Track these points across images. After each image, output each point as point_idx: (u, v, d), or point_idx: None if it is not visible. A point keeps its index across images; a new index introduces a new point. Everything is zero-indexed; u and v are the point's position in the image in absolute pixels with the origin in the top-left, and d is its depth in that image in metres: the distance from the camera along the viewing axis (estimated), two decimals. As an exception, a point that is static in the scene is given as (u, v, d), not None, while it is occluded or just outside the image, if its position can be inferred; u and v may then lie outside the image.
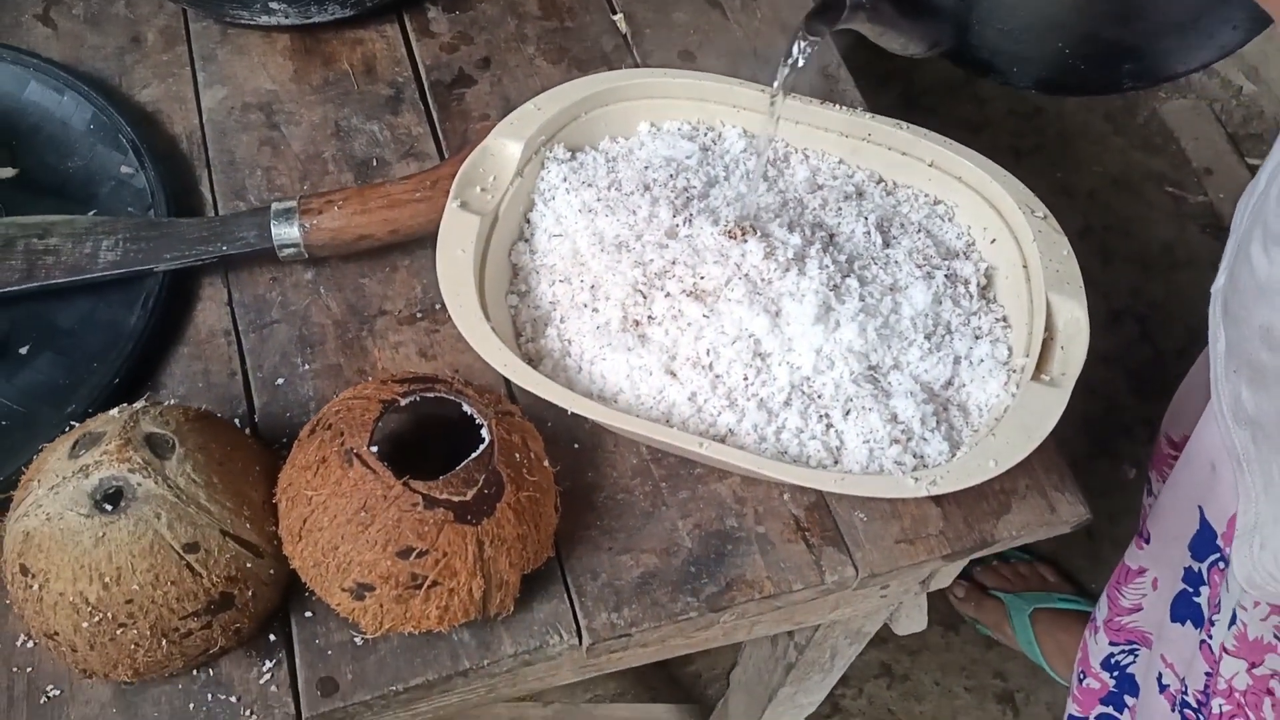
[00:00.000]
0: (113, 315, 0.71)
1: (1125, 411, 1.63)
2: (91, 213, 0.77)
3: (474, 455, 0.59)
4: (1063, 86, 0.68)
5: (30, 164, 0.79)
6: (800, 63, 0.60)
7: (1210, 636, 0.86)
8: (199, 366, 0.71)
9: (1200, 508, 0.86)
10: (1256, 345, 0.70)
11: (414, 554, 0.57)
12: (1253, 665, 0.83)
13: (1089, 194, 1.86)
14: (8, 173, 0.78)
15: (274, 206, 0.72)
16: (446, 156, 0.81)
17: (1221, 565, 0.84)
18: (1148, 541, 0.98)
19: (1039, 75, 0.66)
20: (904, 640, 1.48)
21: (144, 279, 0.72)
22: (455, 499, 0.58)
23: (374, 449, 0.58)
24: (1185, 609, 0.93)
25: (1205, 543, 0.88)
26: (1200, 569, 0.89)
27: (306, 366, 0.71)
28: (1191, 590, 0.92)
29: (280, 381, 0.70)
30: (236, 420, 0.69)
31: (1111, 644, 1.09)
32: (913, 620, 0.84)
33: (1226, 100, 1.98)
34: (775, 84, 0.64)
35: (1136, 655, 1.08)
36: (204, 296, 0.74)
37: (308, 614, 0.62)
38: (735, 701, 1.13)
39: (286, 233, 0.72)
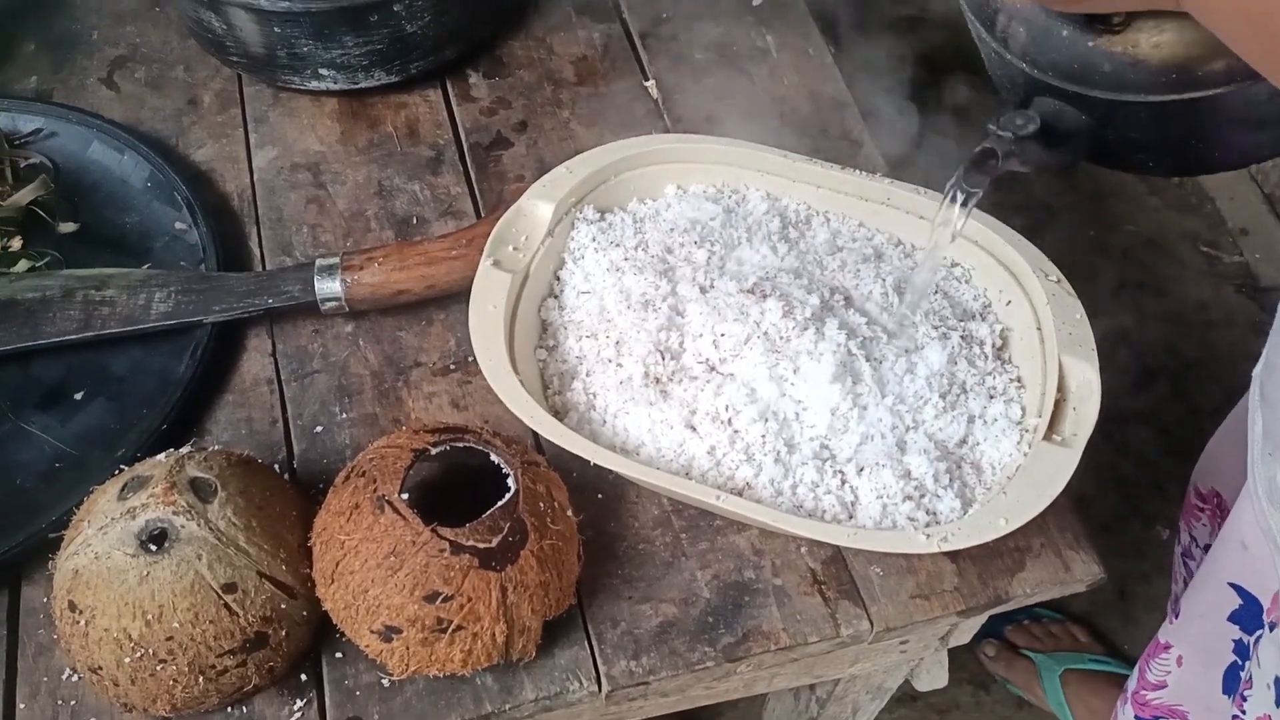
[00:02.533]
0: (163, 364, 0.75)
1: (1158, 471, 1.63)
2: (146, 266, 0.81)
3: (500, 503, 0.62)
4: (1194, 170, 0.71)
5: (91, 219, 0.84)
6: (961, 216, 0.62)
7: (1244, 712, 0.86)
8: (243, 414, 0.74)
9: (1234, 585, 0.86)
10: None
11: (440, 598, 0.59)
12: None
13: (1123, 252, 1.87)
14: (70, 227, 0.83)
15: (318, 262, 0.76)
16: (483, 215, 0.84)
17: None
18: (1177, 617, 0.98)
19: (1171, 167, 0.69)
20: (933, 699, 1.47)
21: (193, 329, 0.76)
22: (481, 545, 0.60)
23: (405, 496, 0.61)
24: (1235, 682, 0.93)
25: (1251, 616, 0.88)
26: (1249, 641, 0.89)
27: (344, 415, 0.74)
28: (1240, 663, 0.92)
29: (319, 429, 0.73)
30: (276, 465, 0.72)
31: (1138, 718, 1.09)
32: (933, 677, 0.85)
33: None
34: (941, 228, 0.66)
35: None
36: (249, 347, 0.77)
37: (338, 654, 0.64)
38: (760, 755, 1.13)
39: (329, 287, 0.75)
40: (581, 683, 0.64)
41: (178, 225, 0.83)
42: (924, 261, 0.70)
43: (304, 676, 0.64)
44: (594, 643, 0.65)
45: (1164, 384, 1.72)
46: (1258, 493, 0.76)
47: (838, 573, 0.68)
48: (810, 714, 0.92)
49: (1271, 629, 0.79)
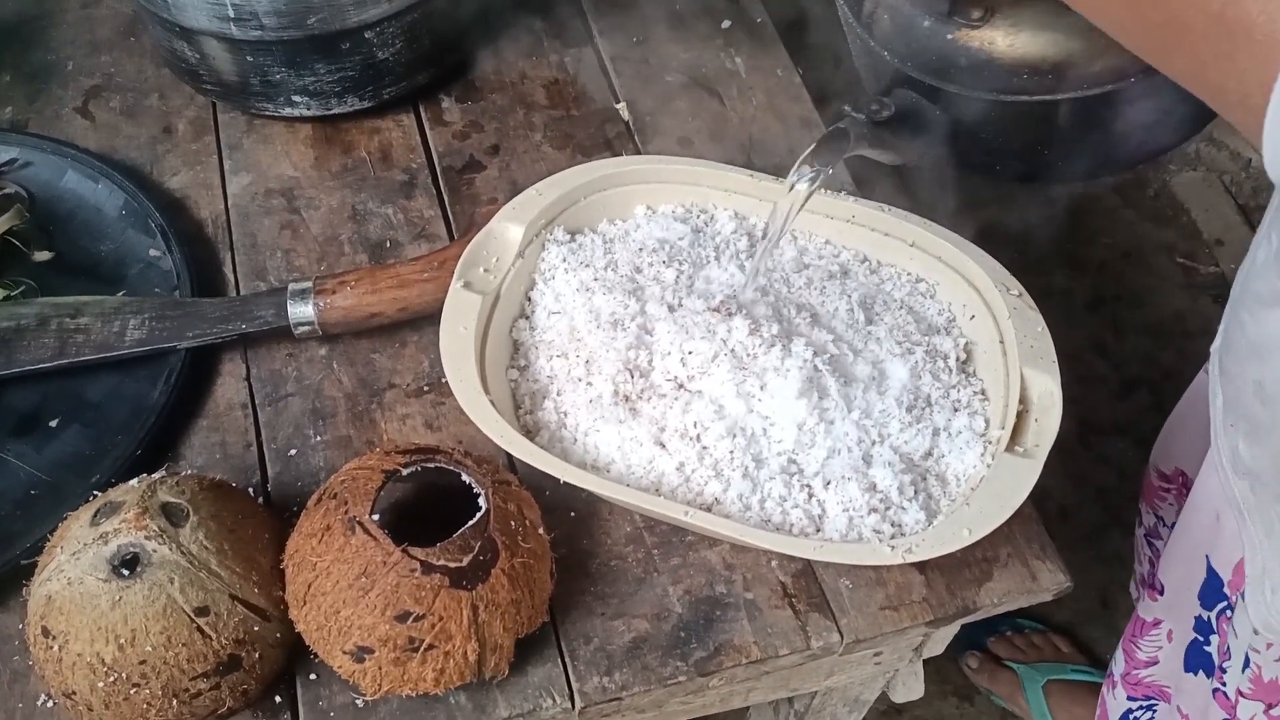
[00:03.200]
0: (137, 390, 0.76)
1: (1138, 481, 1.64)
2: (121, 293, 0.81)
3: (470, 523, 0.62)
4: (1040, 179, 0.71)
5: (66, 247, 0.84)
6: (804, 191, 0.64)
7: (1224, 684, 0.87)
8: (217, 438, 0.75)
9: (1207, 556, 0.88)
10: (1250, 400, 0.72)
11: (411, 618, 0.60)
12: (1270, 706, 0.84)
13: (1099, 266, 1.89)
14: (45, 256, 0.83)
15: (290, 287, 0.77)
16: (456, 237, 0.85)
17: (1229, 613, 0.86)
18: (1161, 593, 0.99)
19: (1019, 172, 0.69)
20: (919, 711, 1.48)
21: (168, 355, 0.76)
22: (451, 565, 0.61)
23: (376, 517, 0.62)
24: (1198, 659, 0.94)
25: (1213, 591, 0.89)
26: (1209, 618, 0.91)
27: (318, 438, 0.75)
28: (1203, 640, 0.93)
29: (293, 452, 0.74)
30: (250, 489, 0.72)
31: (1130, 698, 1.09)
32: (909, 688, 0.85)
33: (1236, 172, 2.01)
34: (786, 207, 0.67)
35: (1155, 711, 1.08)
36: (224, 372, 0.78)
37: (312, 676, 0.65)
38: (743, 770, 1.14)
39: (302, 311, 0.76)
40: (555, 699, 0.64)
41: (152, 252, 0.83)
42: (766, 241, 0.70)
43: (278, 698, 0.64)
44: (567, 659, 0.66)
45: (1143, 394, 1.74)
46: (1222, 463, 0.77)
47: (808, 585, 0.68)
48: (789, 728, 0.93)
49: (1243, 598, 0.80)
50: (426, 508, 0.71)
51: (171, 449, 0.74)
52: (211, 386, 0.77)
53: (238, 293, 0.83)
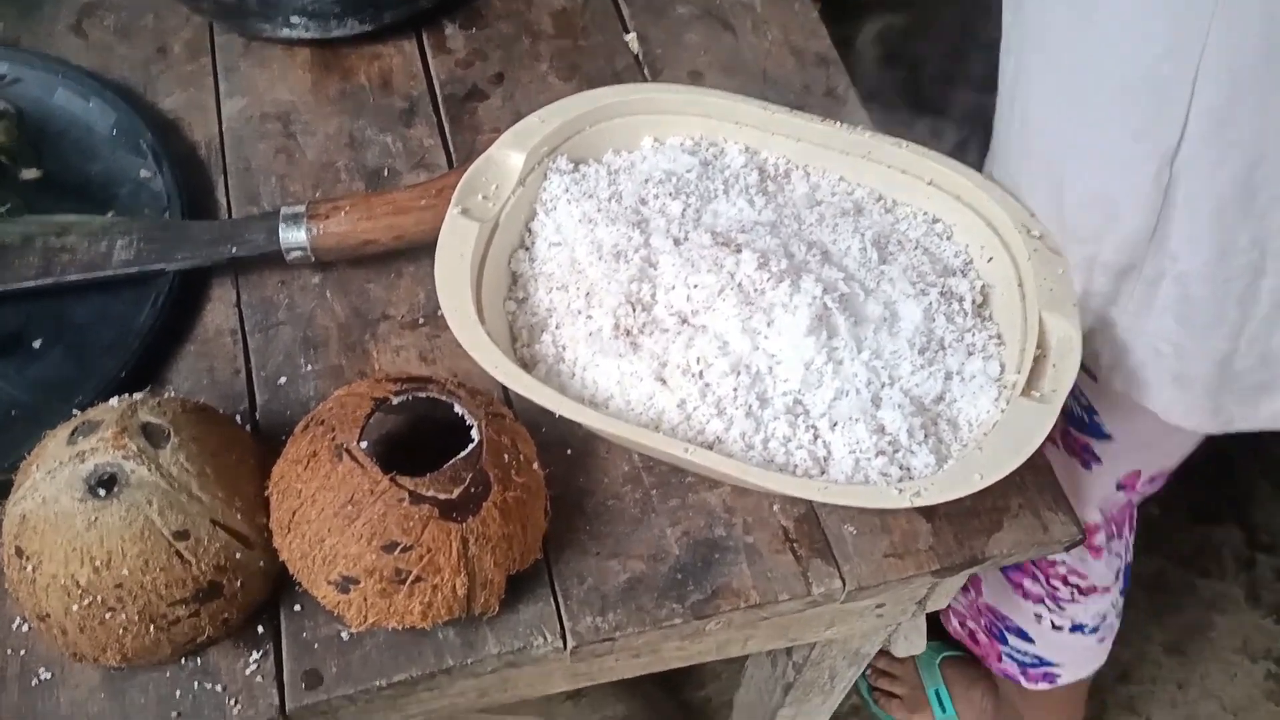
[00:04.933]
0: (124, 312, 0.73)
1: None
2: (110, 214, 0.79)
3: (462, 454, 0.60)
4: None
5: (54, 166, 0.82)
6: None
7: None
8: (204, 364, 0.72)
9: None
10: None
11: (398, 548, 0.57)
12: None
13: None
14: (32, 174, 0.81)
15: (283, 211, 0.74)
16: (457, 165, 0.82)
17: None
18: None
19: None
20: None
21: (156, 278, 0.74)
22: (441, 496, 0.58)
23: (364, 445, 0.59)
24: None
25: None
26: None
27: (309, 367, 0.72)
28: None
29: (283, 381, 0.72)
30: (238, 417, 0.70)
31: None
32: (911, 643, 0.83)
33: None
34: None
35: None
36: (213, 297, 0.76)
37: (296, 607, 0.63)
38: (738, 724, 1.12)
39: (294, 236, 0.73)
40: (546, 638, 0.62)
41: (143, 174, 0.81)
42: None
43: (260, 629, 0.62)
44: (559, 598, 0.64)
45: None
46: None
47: (810, 531, 0.66)
48: (787, 679, 0.91)
49: None
50: (418, 440, 0.68)
51: (157, 374, 0.72)
52: (200, 312, 0.75)
53: (230, 216, 0.80)
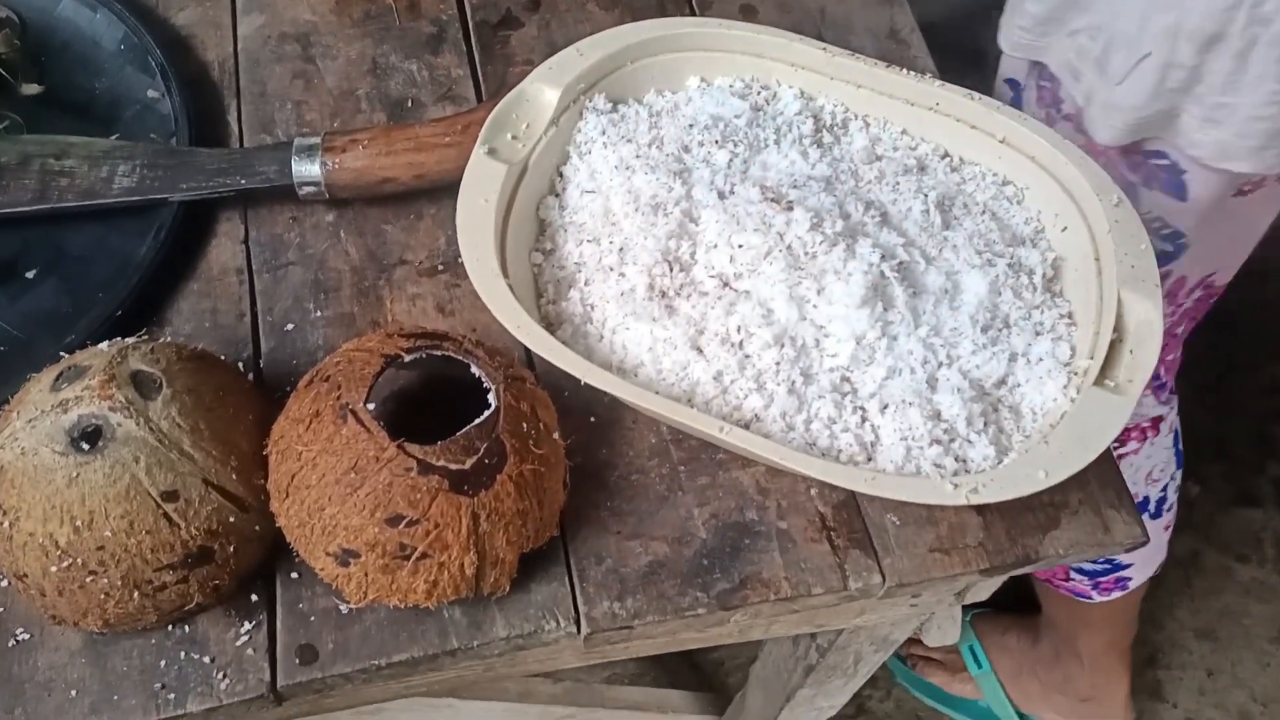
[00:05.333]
0: (124, 244, 0.68)
1: (1193, 426, 1.55)
2: (114, 136, 0.73)
3: (477, 421, 0.55)
4: None
5: (57, 81, 0.76)
6: None
7: None
8: (207, 305, 0.68)
9: None
10: None
11: (404, 522, 0.53)
12: None
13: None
14: (33, 89, 0.75)
15: (296, 142, 0.69)
16: (484, 101, 0.76)
17: None
18: None
19: None
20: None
21: (159, 209, 0.69)
22: (453, 466, 0.53)
23: (370, 406, 0.54)
24: None
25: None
26: None
27: (319, 313, 0.67)
28: None
29: (290, 327, 0.67)
30: (240, 364, 0.65)
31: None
32: (945, 632, 0.79)
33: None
34: None
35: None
36: (220, 232, 0.70)
37: (293, 575, 0.58)
38: (753, 697, 1.08)
39: (308, 170, 0.68)
40: (559, 622, 0.58)
41: (150, 94, 0.75)
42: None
43: (254, 597, 0.58)
44: (575, 580, 0.59)
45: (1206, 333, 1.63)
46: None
47: (849, 519, 0.61)
48: (809, 661, 0.87)
49: None
50: (433, 399, 0.64)
51: (157, 313, 0.67)
52: (205, 247, 0.70)
53: (241, 144, 0.74)
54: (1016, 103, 0.91)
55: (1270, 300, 1.64)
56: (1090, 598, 1.18)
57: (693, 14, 0.81)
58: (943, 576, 0.60)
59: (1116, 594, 1.17)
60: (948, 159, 0.68)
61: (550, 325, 0.62)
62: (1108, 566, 1.15)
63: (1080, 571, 1.16)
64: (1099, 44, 0.77)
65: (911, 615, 0.75)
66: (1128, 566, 1.14)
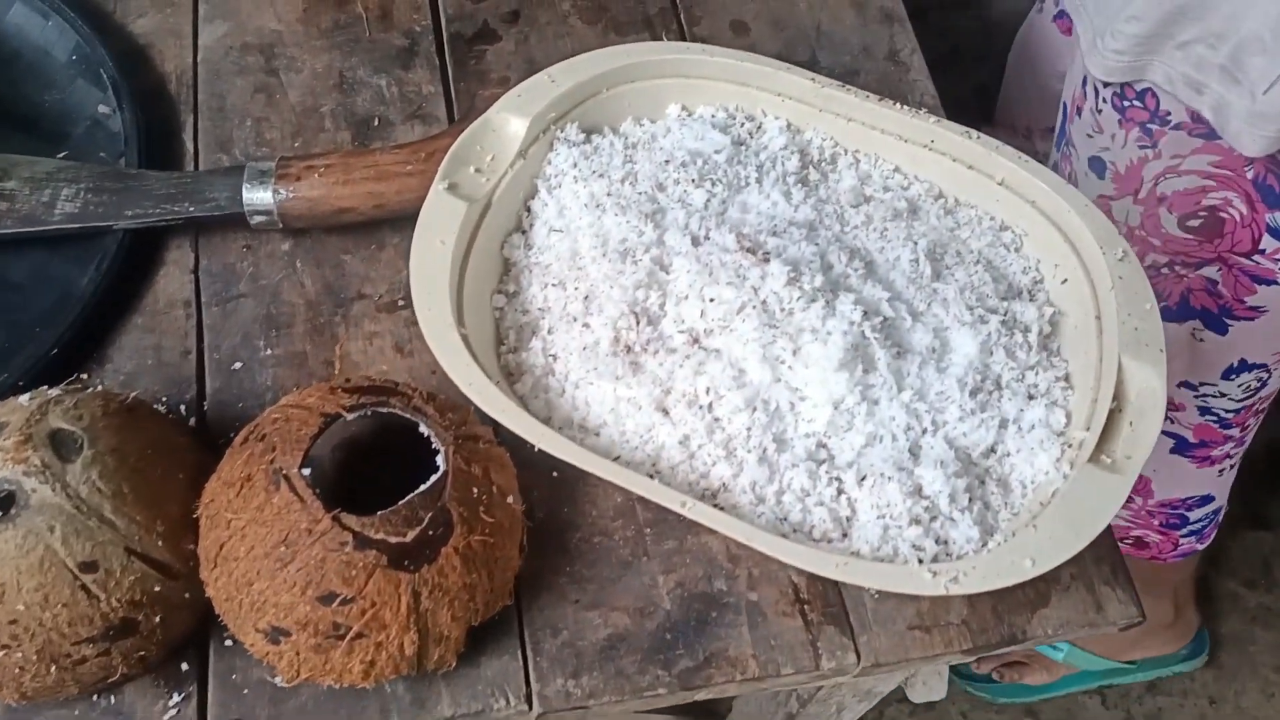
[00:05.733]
0: (65, 273, 0.64)
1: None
2: (61, 154, 0.69)
3: (421, 488, 0.51)
4: None
5: (3, 93, 0.72)
6: None
7: None
8: (151, 341, 0.64)
9: None
10: None
11: (337, 600, 0.49)
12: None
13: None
14: (-21, 101, 0.71)
15: (249, 167, 0.64)
16: (456, 121, 0.72)
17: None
18: None
19: None
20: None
21: (103, 236, 0.65)
22: (392, 540, 0.50)
23: (306, 471, 0.51)
24: None
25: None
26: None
27: (269, 351, 0.63)
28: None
29: (238, 366, 0.63)
30: (183, 406, 0.61)
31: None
32: (930, 688, 0.75)
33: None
34: None
35: None
36: (168, 260, 0.67)
37: (227, 643, 0.55)
38: (738, 727, 1.05)
39: (260, 198, 0.64)
40: (509, 700, 0.54)
41: (101, 109, 0.71)
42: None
43: (185, 665, 0.54)
44: (529, 653, 0.55)
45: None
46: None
47: (825, 591, 0.57)
48: (789, 709, 0.83)
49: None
50: (388, 446, 0.60)
51: (97, 349, 0.63)
52: (152, 278, 0.66)
53: (196, 165, 0.70)
54: (1061, 129, 0.87)
55: None
56: (1196, 550, 1.14)
57: (680, 28, 0.77)
58: (922, 657, 0.56)
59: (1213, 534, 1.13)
60: (942, 200, 0.63)
61: (511, 375, 0.58)
62: (1212, 513, 1.09)
63: (1192, 534, 1.11)
64: (1222, 52, 0.71)
65: (896, 673, 0.72)
66: (1217, 508, 1.09)
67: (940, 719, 1.34)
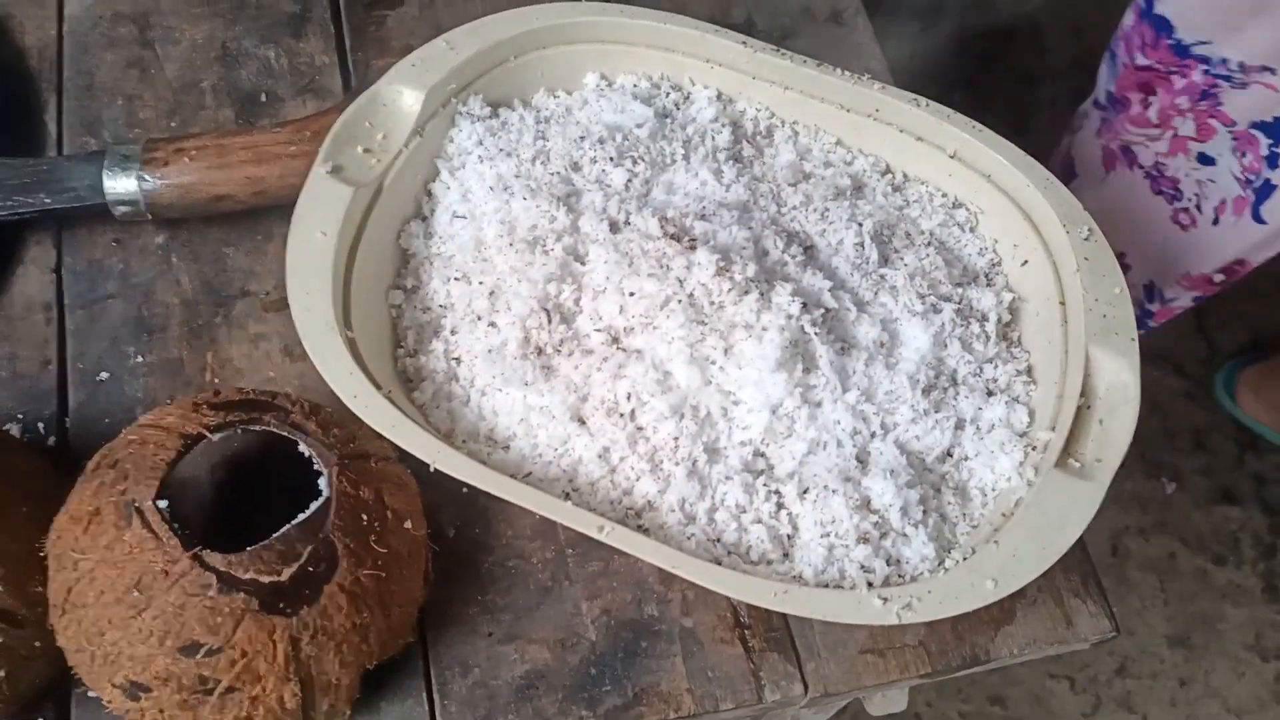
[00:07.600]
0: (-95, 276, 0.57)
1: (1171, 418, 1.46)
2: (-95, 140, 0.62)
3: (299, 518, 0.45)
4: None
5: None
6: None
7: None
8: (5, 350, 0.56)
9: None
10: None
11: (202, 651, 0.43)
12: None
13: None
14: None
15: (110, 151, 0.57)
16: (351, 93, 0.65)
17: None
18: None
19: None
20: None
21: (-50, 232, 0.57)
22: (264, 580, 0.43)
23: (164, 503, 0.44)
24: None
25: None
26: None
27: (140, 359, 0.56)
28: None
29: (104, 376, 0.56)
30: (40, 424, 0.54)
31: None
32: (890, 699, 0.69)
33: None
34: None
35: None
36: (26, 258, 0.59)
37: (91, 693, 0.48)
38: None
39: (123, 186, 0.57)
40: (411, 750, 0.48)
41: (-49, 88, 0.63)
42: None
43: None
44: (435, 696, 0.49)
45: (1186, 318, 1.54)
46: None
47: (767, 614, 0.51)
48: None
49: None
50: (278, 462, 0.53)
51: (-57, 361, 0.56)
52: (9, 278, 0.59)
53: (60, 150, 0.63)
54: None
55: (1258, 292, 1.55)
56: None
57: (603, -10, 0.70)
58: (875, 684, 0.51)
59: None
60: (889, 175, 0.57)
61: (409, 381, 0.52)
62: None
63: None
64: None
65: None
66: None
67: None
